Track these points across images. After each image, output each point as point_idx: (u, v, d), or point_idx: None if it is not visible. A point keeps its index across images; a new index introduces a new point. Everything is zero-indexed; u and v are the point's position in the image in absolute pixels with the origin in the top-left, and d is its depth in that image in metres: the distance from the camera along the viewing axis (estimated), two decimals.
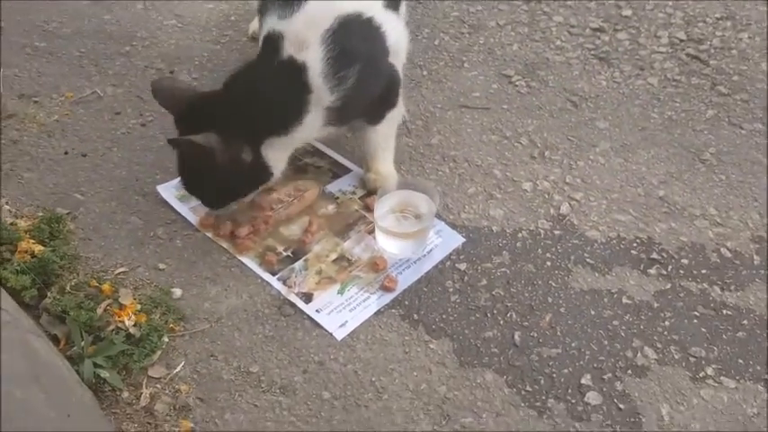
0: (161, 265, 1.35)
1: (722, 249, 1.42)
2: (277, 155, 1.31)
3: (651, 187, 1.55)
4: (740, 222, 1.48)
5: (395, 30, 1.38)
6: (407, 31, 1.55)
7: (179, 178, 1.36)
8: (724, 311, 1.32)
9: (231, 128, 1.23)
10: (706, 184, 1.55)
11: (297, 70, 1.24)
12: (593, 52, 1.90)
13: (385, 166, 1.50)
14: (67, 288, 1.25)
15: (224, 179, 1.27)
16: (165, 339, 1.22)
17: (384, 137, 1.48)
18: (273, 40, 1.27)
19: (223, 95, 1.28)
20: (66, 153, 1.57)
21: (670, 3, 2.07)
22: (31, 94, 1.71)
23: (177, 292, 1.31)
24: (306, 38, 1.25)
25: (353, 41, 1.28)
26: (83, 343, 1.14)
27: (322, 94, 1.26)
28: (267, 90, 1.25)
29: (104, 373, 1.13)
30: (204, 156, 1.21)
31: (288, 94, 1.25)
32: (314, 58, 1.25)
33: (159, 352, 1.21)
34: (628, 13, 2.02)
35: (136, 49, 1.84)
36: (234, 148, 1.24)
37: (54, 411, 0.86)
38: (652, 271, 1.38)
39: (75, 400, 1.00)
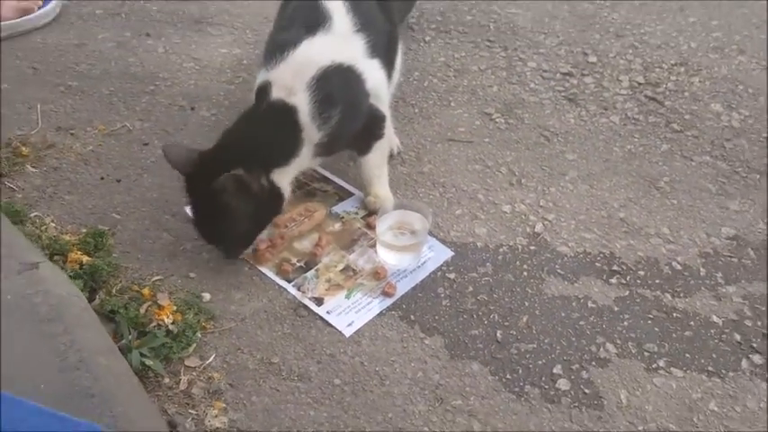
0: (191, 274, 1.48)
1: (673, 263, 1.58)
2: (283, 182, 1.45)
3: (613, 210, 1.69)
4: (689, 240, 1.64)
5: (374, 75, 1.52)
6: (400, 74, 1.74)
7: (204, 236, 1.45)
8: (674, 314, 1.47)
9: (248, 164, 1.36)
10: (660, 208, 1.71)
11: (289, 112, 1.39)
12: (563, 94, 2.07)
13: (381, 189, 1.63)
14: (113, 291, 1.37)
15: (253, 211, 1.39)
16: (198, 335, 1.34)
17: (376, 165, 1.60)
18: (265, 89, 1.42)
19: (231, 142, 1.41)
20: (101, 178, 1.69)
21: (630, 51, 2.26)
22: (68, 127, 1.82)
23: (206, 296, 1.43)
24: (293, 85, 1.40)
25: (335, 87, 1.43)
26: (130, 336, 1.27)
27: (311, 132, 1.41)
28: (269, 129, 1.40)
29: (149, 362, 1.25)
30: (241, 189, 1.34)
31: (285, 131, 1.40)
32: (302, 102, 1.40)
33: (194, 345, 1.33)
34: (593, 59, 2.22)
35: (159, 89, 1.98)
36: (256, 178, 1.38)
37: (126, 376, 1.00)
38: (613, 280, 1.53)
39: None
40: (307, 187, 1.70)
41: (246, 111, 1.46)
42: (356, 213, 1.65)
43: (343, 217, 1.64)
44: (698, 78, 2.16)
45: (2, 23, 2.07)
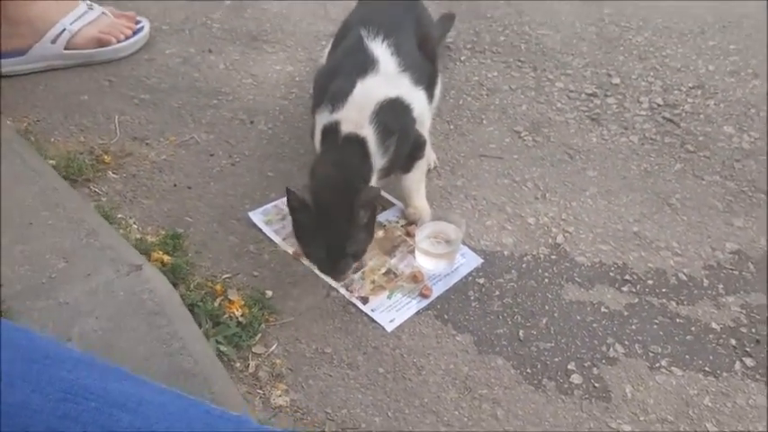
0: (255, 273, 1.60)
1: (679, 274, 1.71)
2: None
3: (627, 224, 1.79)
4: (695, 254, 1.77)
5: (419, 104, 1.67)
6: (438, 100, 1.88)
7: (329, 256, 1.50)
8: (677, 320, 1.59)
9: (365, 181, 1.52)
10: (671, 223, 1.83)
11: (362, 143, 1.54)
12: (586, 114, 2.18)
13: (420, 201, 1.74)
14: (191, 287, 1.51)
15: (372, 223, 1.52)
16: (263, 326, 1.47)
17: (416, 180, 1.71)
18: (333, 128, 1.53)
19: (327, 171, 1.52)
20: (174, 185, 1.81)
21: (652, 73, 2.37)
22: (142, 138, 1.95)
23: (269, 293, 1.56)
24: (359, 120, 1.55)
25: (391, 118, 1.58)
26: (207, 326, 1.42)
27: (377, 159, 1.55)
28: (351, 159, 1.54)
29: (223, 348, 1.39)
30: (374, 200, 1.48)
31: (362, 160, 1.54)
32: (369, 133, 1.55)
33: (259, 335, 1.46)
34: (617, 81, 2.32)
35: (222, 103, 2.14)
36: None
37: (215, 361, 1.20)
38: (624, 289, 1.64)
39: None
40: None
41: (325, 149, 1.57)
42: (397, 222, 1.74)
43: (385, 225, 1.73)
44: (713, 101, 2.27)
45: (77, 52, 2.15)
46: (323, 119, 1.61)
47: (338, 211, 1.45)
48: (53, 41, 2.13)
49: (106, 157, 1.87)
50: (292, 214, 1.50)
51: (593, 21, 2.62)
